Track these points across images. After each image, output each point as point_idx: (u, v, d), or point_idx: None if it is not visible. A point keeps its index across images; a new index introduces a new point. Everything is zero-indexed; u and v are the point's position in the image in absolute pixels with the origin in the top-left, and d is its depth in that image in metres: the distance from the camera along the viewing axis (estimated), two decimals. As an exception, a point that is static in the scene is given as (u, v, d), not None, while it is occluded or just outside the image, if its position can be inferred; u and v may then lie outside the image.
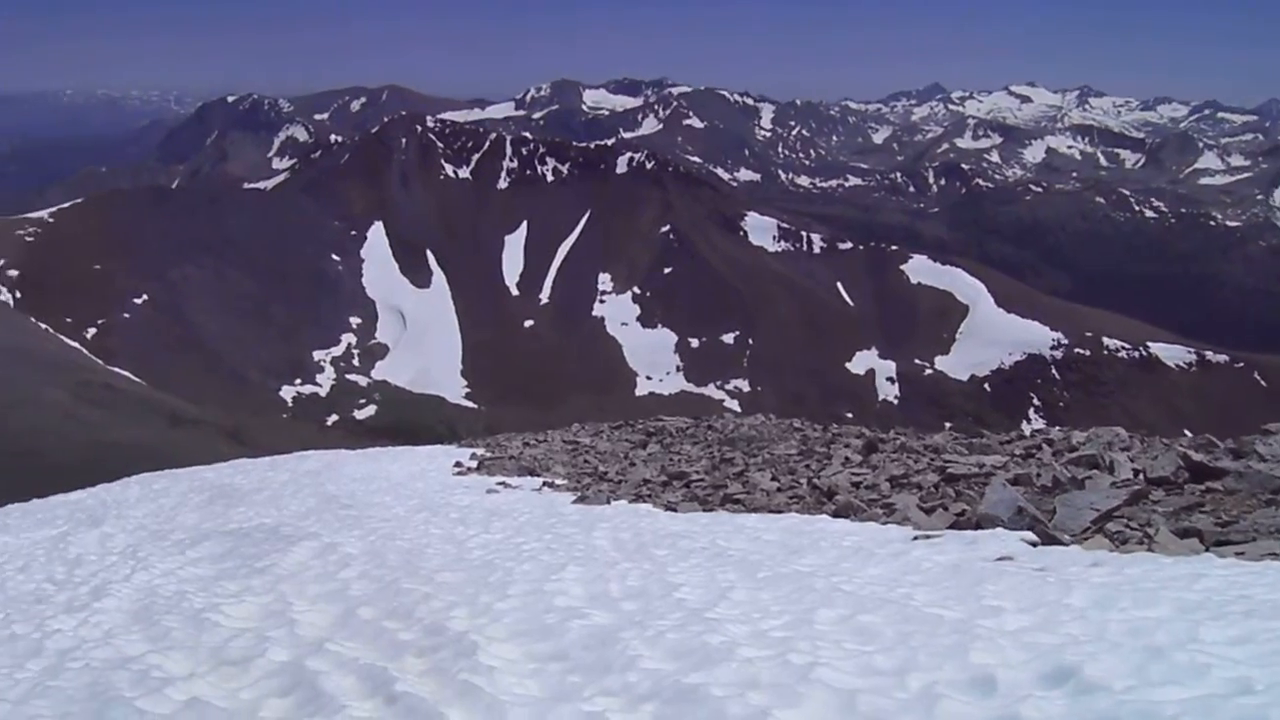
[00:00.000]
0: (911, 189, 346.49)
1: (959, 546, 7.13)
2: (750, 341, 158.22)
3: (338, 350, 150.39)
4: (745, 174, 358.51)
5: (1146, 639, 4.25)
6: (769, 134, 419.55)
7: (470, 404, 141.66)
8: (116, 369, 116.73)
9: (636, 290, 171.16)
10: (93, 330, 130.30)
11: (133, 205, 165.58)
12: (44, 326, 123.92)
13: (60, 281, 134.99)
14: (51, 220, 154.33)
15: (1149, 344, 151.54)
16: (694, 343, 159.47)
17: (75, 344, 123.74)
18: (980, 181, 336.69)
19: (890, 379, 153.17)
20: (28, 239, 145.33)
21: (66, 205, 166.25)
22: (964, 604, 5.36)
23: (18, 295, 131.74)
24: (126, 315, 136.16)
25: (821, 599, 5.75)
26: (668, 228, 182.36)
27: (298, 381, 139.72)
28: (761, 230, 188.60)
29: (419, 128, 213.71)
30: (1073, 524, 7.38)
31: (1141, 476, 8.54)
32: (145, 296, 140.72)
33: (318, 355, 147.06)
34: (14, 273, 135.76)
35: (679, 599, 6.06)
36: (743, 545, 8.08)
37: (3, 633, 6.73)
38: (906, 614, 5.24)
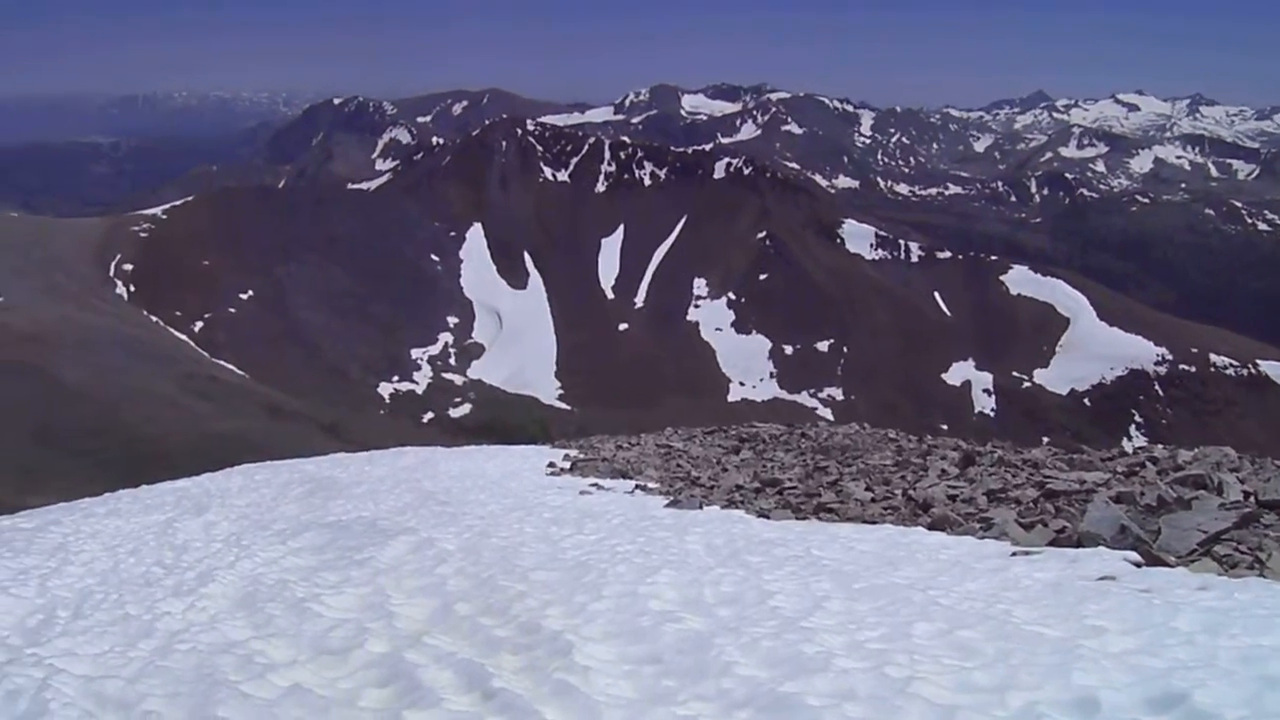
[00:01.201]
0: (1013, 198, 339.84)
1: (1059, 564, 6.98)
2: (845, 350, 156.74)
3: (435, 349, 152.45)
4: (843, 181, 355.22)
5: (1260, 668, 4.11)
6: (868, 141, 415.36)
7: (564, 405, 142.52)
8: (221, 361, 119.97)
9: (731, 296, 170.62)
10: (200, 324, 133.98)
11: (241, 204, 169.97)
12: (154, 319, 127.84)
13: (171, 276, 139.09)
14: (164, 217, 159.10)
15: (1259, 361, 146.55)
16: (788, 350, 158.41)
17: (183, 336, 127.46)
18: (1084, 192, 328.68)
19: (987, 391, 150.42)
20: (141, 235, 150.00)
21: (178, 203, 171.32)
22: (1065, 623, 5.25)
23: (131, 289, 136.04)
24: (232, 310, 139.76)
25: (919, 612, 5.68)
26: (764, 234, 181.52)
27: (395, 378, 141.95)
28: (859, 238, 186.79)
29: (519, 131, 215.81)
30: (1178, 545, 7.18)
31: (1252, 499, 8.28)
32: (251, 292, 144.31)
33: (415, 353, 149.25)
34: (128, 267, 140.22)
35: (773, 607, 6.03)
36: (837, 555, 8.00)
37: (117, 613, 6.94)
38: (1006, 631, 5.15)
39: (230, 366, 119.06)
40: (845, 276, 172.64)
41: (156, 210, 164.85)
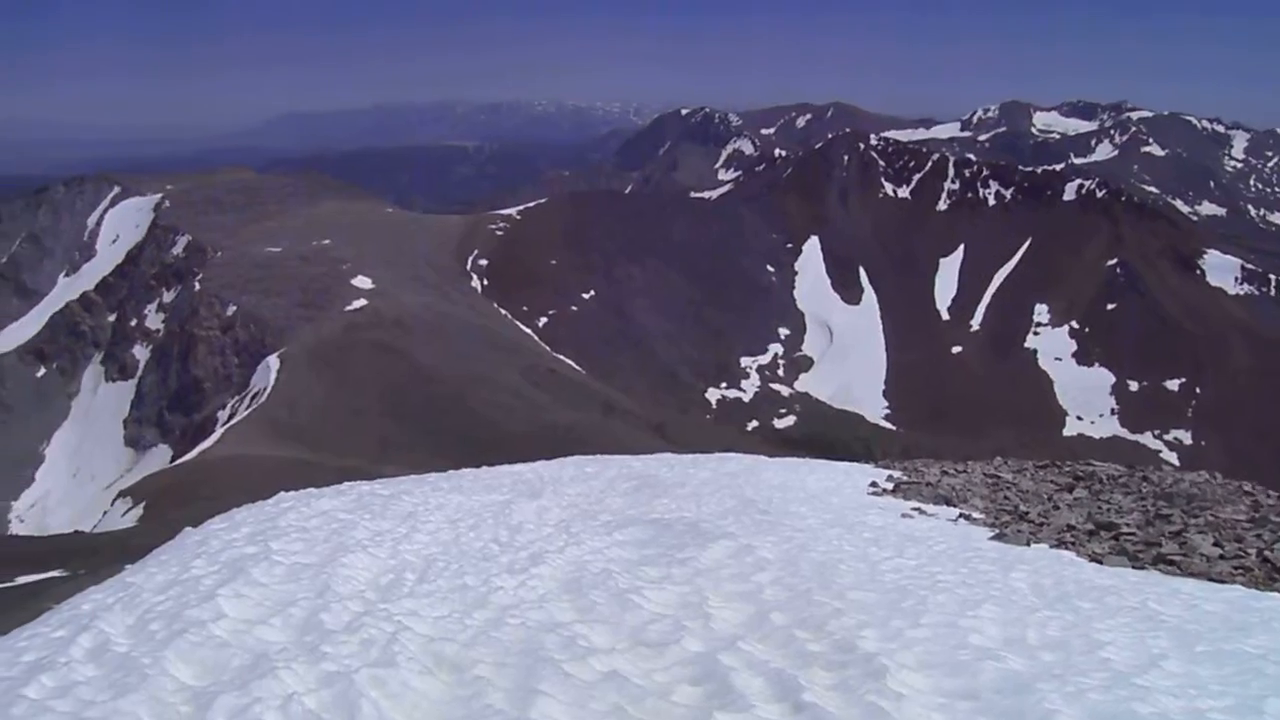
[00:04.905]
0: None
1: None
2: (1197, 390, 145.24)
3: (764, 359, 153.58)
4: (1208, 208, 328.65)
5: None
6: (1240, 165, 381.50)
7: (889, 425, 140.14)
8: (561, 356, 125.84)
9: (1074, 325, 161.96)
10: (544, 319, 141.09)
11: (589, 207, 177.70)
12: (504, 312, 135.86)
13: (521, 273, 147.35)
14: (518, 217, 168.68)
15: None
16: (1133, 386, 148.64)
17: (528, 330, 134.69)
18: None
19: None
20: (497, 233, 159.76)
21: (532, 204, 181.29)
22: None
23: (485, 283, 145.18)
24: (575, 308, 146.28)
25: (1273, 686, 5.21)
26: (1115, 261, 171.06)
27: (723, 385, 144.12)
28: (1222, 270, 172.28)
29: (861, 145, 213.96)
30: None
31: None
32: (593, 292, 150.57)
33: (745, 362, 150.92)
34: (484, 262, 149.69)
35: (1103, 658, 5.72)
36: (1178, 612, 7.48)
37: (456, 581, 7.46)
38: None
39: (569, 362, 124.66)
40: (1204, 311, 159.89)
41: (512, 210, 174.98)
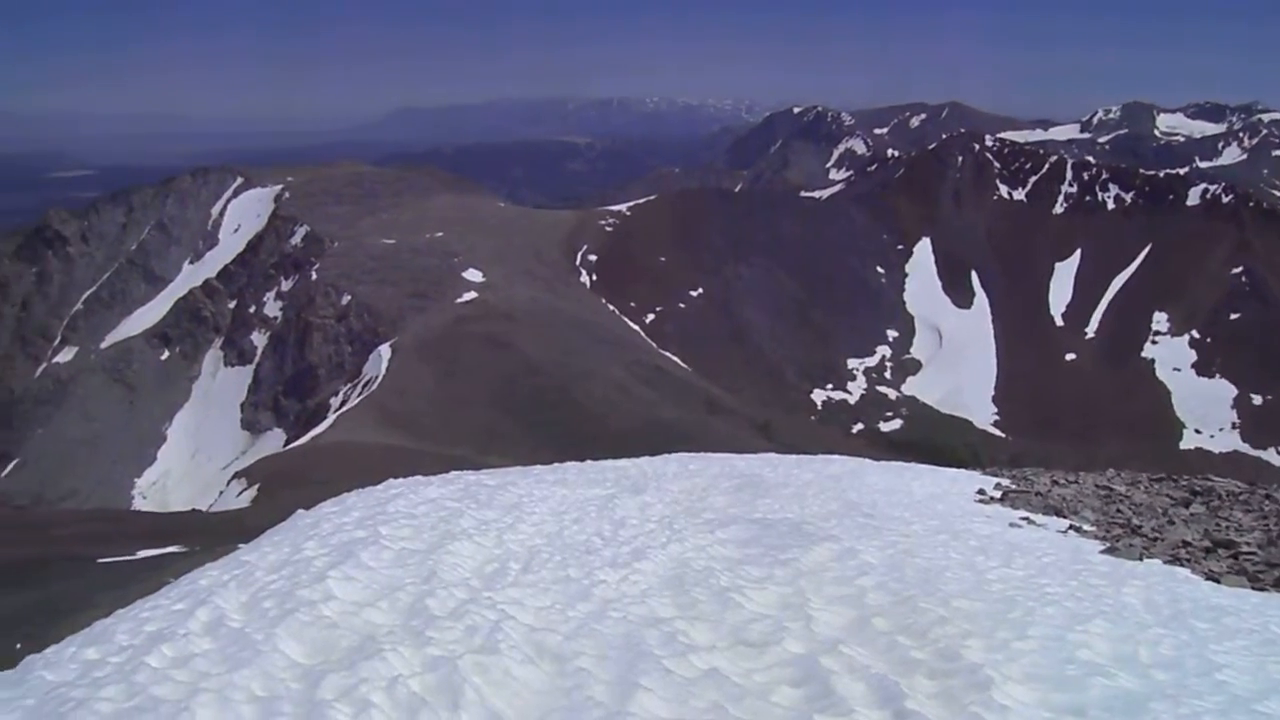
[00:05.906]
0: None
1: None
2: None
3: (871, 361, 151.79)
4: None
5: None
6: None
7: (997, 432, 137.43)
8: (667, 353, 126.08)
9: (1195, 334, 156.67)
10: (651, 316, 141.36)
11: (698, 204, 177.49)
12: (611, 308, 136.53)
13: (630, 269, 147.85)
14: (628, 213, 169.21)
15: None
16: (1256, 399, 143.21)
17: (635, 326, 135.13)
18: None
19: None
20: (607, 228, 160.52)
21: (641, 201, 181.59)
22: None
23: (594, 278, 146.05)
24: (682, 305, 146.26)
25: (1403, 718, 5.00)
26: (1240, 269, 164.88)
27: (829, 386, 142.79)
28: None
29: (976, 146, 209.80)
30: None
31: None
32: (700, 290, 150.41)
33: (851, 363, 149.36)
34: (593, 258, 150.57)
35: (1220, 681, 5.54)
36: (1301, 636, 7.20)
37: (559, 573, 7.54)
38: None
39: (675, 359, 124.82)
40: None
41: (622, 206, 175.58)
